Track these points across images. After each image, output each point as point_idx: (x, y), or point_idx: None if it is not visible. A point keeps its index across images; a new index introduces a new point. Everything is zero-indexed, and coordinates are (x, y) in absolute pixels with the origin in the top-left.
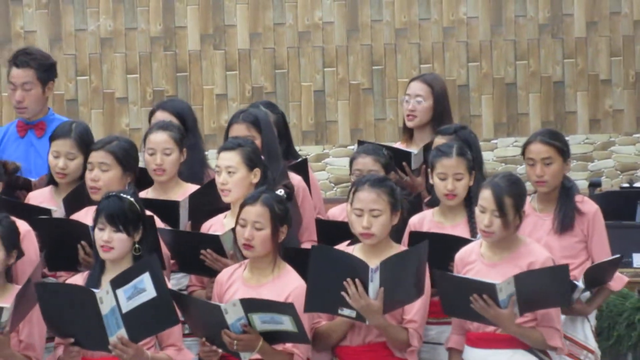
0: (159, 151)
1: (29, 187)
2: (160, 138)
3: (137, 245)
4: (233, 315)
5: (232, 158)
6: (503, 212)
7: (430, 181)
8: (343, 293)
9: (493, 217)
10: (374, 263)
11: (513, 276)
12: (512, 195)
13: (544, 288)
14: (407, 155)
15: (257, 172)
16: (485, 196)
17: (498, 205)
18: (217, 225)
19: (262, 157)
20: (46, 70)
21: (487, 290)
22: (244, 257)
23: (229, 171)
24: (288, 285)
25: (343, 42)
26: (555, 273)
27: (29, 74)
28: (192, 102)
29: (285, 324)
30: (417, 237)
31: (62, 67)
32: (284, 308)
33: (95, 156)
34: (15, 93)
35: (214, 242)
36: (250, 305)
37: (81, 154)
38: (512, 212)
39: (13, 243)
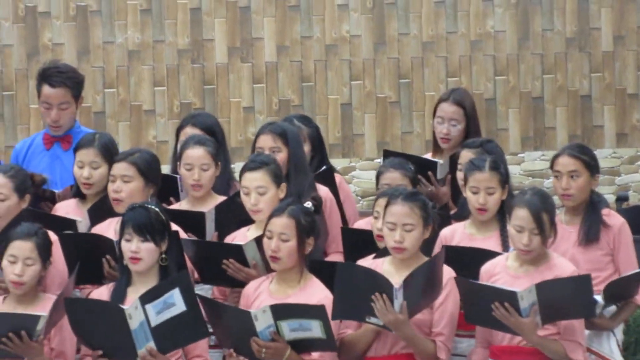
0: (197, 166)
1: (53, 199)
2: (198, 153)
3: (163, 256)
4: (262, 322)
5: (260, 178)
6: (542, 229)
7: (464, 194)
8: (372, 305)
9: (532, 235)
10: (402, 275)
11: (535, 285)
12: (547, 211)
13: (566, 298)
14: (433, 165)
15: (284, 186)
16: (522, 215)
17: (537, 224)
18: (240, 237)
19: (289, 169)
20: (79, 87)
21: (509, 298)
22: (267, 267)
23: (260, 192)
24: (314, 295)
25: (370, 55)
26: (578, 283)
27: (66, 94)
28: (219, 114)
29: (314, 330)
30: (450, 251)
31: (90, 80)
32: (314, 311)
33: (118, 168)
34: (51, 112)
35: (237, 251)
36: (280, 310)
37: (105, 163)
38: (549, 228)
39: (48, 254)
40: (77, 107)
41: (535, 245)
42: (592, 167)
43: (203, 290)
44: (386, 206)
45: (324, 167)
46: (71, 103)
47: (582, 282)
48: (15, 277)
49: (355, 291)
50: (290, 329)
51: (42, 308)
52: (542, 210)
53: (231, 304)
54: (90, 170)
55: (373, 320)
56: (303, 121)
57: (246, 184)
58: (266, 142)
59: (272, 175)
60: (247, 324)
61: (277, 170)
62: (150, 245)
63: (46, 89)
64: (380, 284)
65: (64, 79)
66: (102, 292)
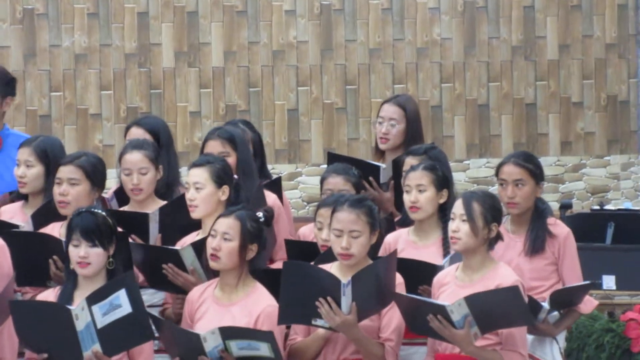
0: (135, 171)
1: None
2: (135, 158)
3: (111, 259)
4: (211, 342)
5: (200, 174)
6: (471, 217)
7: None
8: (318, 310)
9: (461, 222)
10: (347, 279)
11: (463, 297)
12: (481, 203)
13: (499, 308)
14: (375, 169)
15: (226, 189)
16: (456, 204)
17: (466, 210)
18: (189, 242)
19: (237, 174)
20: (4, 85)
21: (439, 311)
22: (208, 273)
23: (197, 187)
24: (259, 303)
25: (317, 61)
26: (506, 294)
27: None
28: (166, 119)
29: (262, 350)
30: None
31: (36, 83)
32: (263, 336)
33: (64, 171)
34: None
35: (174, 256)
36: (229, 332)
37: (40, 164)
38: (480, 219)
39: None
40: (2, 105)
41: (462, 233)
42: (537, 175)
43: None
44: (332, 212)
45: (275, 176)
46: None
47: (510, 293)
48: None
49: (301, 291)
50: (238, 348)
51: None
52: (475, 200)
53: (172, 312)
54: (24, 169)
55: (319, 322)
56: (246, 126)
57: (188, 178)
58: (215, 147)
59: (213, 174)
60: (195, 344)
61: (221, 172)
62: (98, 250)
63: None
64: (327, 281)
65: None
66: (48, 296)
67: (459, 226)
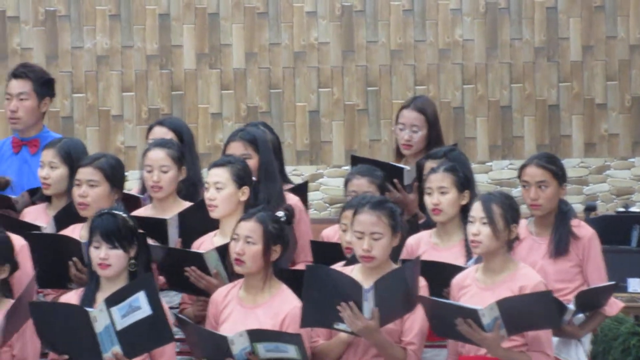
0: (156, 168)
1: (12, 205)
2: (157, 155)
3: (132, 261)
4: (239, 345)
5: (220, 174)
6: (491, 220)
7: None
8: (340, 314)
9: (481, 225)
10: (370, 284)
11: (496, 302)
12: (500, 204)
13: (529, 312)
14: (399, 171)
15: (246, 189)
16: (474, 207)
17: (486, 213)
18: (207, 243)
19: (259, 176)
20: (43, 85)
21: (471, 315)
22: (230, 277)
23: (217, 187)
24: (284, 305)
25: (338, 62)
26: (539, 299)
27: (25, 85)
28: (187, 120)
29: (290, 352)
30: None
31: (58, 85)
32: (291, 338)
33: (84, 172)
34: (11, 103)
35: (198, 259)
36: (257, 335)
37: (64, 165)
38: (501, 221)
39: (4, 257)
40: (40, 105)
41: (484, 236)
42: (560, 176)
43: (169, 296)
44: (354, 215)
45: (302, 182)
46: (31, 96)
47: (543, 298)
48: None
49: (323, 295)
50: (265, 350)
51: (3, 314)
52: (494, 202)
53: (192, 314)
54: (48, 170)
55: (341, 326)
56: (266, 128)
57: (208, 178)
58: (237, 148)
59: (234, 174)
60: (222, 346)
61: (241, 172)
62: (118, 252)
63: (10, 82)
64: (349, 286)
65: (28, 71)
66: (70, 297)
67: (479, 229)
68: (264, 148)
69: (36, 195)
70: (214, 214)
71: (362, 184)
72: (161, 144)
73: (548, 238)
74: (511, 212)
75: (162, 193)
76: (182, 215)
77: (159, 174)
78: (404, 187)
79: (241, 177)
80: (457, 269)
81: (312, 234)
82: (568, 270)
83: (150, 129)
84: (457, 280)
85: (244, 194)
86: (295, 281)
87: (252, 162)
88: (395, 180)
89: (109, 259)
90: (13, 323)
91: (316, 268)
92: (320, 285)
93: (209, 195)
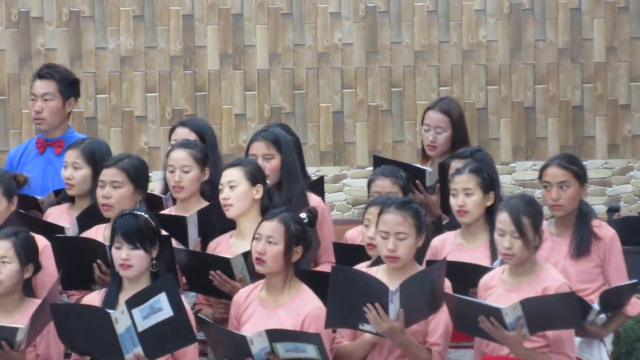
0: (178, 168)
1: (38, 206)
2: (180, 155)
3: (154, 262)
4: (258, 345)
5: (234, 173)
6: (522, 233)
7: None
8: (366, 315)
9: (513, 239)
10: (396, 284)
11: (519, 301)
12: (529, 214)
13: (552, 312)
14: (421, 173)
15: (260, 188)
16: (503, 219)
17: (517, 227)
18: (224, 244)
19: (281, 176)
20: (68, 85)
21: (494, 313)
22: (254, 276)
23: (231, 185)
24: (305, 306)
25: (362, 63)
26: (563, 299)
27: (50, 86)
28: (211, 121)
29: (309, 352)
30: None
31: (82, 85)
32: (310, 338)
33: (107, 173)
34: (35, 104)
35: (224, 264)
36: (276, 335)
37: (87, 166)
38: (531, 231)
39: (28, 257)
40: (64, 106)
41: (516, 249)
42: (581, 177)
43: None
44: (379, 215)
45: (318, 176)
46: (55, 96)
47: (567, 299)
48: None
49: (349, 296)
50: (285, 350)
51: (28, 314)
52: (523, 214)
53: (212, 315)
54: (72, 171)
55: (366, 327)
56: (285, 129)
57: (222, 179)
58: (259, 148)
59: (247, 173)
60: (242, 346)
61: (255, 171)
62: (140, 253)
63: (35, 82)
64: (375, 287)
65: (53, 72)
66: (93, 298)
67: (511, 243)
68: (287, 148)
69: (60, 196)
70: (229, 213)
71: (386, 185)
72: (184, 144)
73: (569, 238)
74: (538, 219)
75: (183, 193)
76: (201, 213)
77: (181, 174)
78: (425, 188)
79: (254, 175)
80: (483, 270)
81: (334, 235)
82: (590, 270)
83: (172, 130)
84: (484, 280)
85: (258, 192)
86: (316, 282)
87: (275, 162)
88: (417, 182)
89: (130, 260)
90: (37, 324)
91: (342, 269)
92: (346, 286)
93: (223, 194)
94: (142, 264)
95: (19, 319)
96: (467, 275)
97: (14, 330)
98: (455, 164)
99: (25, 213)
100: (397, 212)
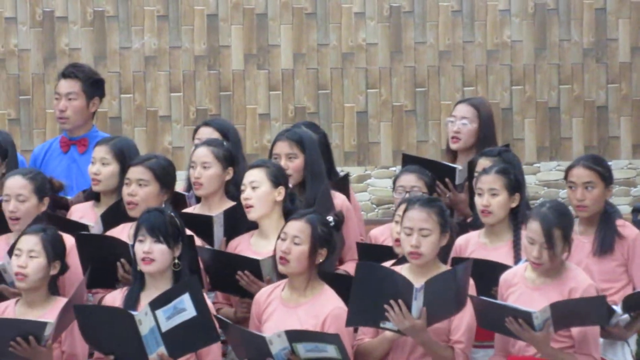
0: (199, 164)
1: (67, 206)
2: (201, 152)
3: (177, 261)
4: (278, 345)
5: (256, 174)
6: (551, 244)
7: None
8: (387, 314)
9: (542, 249)
10: (419, 283)
11: (549, 305)
12: (560, 227)
13: (580, 314)
14: (451, 171)
15: (282, 190)
16: (534, 228)
17: (547, 238)
18: (244, 244)
19: (305, 176)
20: (92, 85)
21: (523, 316)
22: (278, 275)
23: (253, 186)
24: (326, 306)
25: (386, 63)
26: (593, 302)
27: (74, 85)
28: (235, 121)
29: (330, 352)
30: (458, 262)
31: (106, 85)
32: (330, 338)
33: (134, 172)
34: (60, 103)
35: (253, 265)
36: (296, 335)
37: (115, 162)
38: (560, 243)
39: (56, 254)
40: (89, 105)
41: (545, 259)
42: (606, 178)
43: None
44: (404, 212)
45: (342, 175)
46: (80, 95)
47: (597, 302)
48: (18, 269)
49: (372, 293)
50: (305, 350)
51: (54, 311)
52: (555, 226)
53: (233, 314)
54: (99, 167)
55: (388, 325)
56: (311, 128)
57: (244, 180)
58: (283, 148)
59: (269, 174)
60: (261, 346)
61: (277, 172)
62: (162, 247)
63: (59, 82)
64: (400, 284)
65: (77, 71)
66: (115, 297)
67: (541, 253)
68: (310, 148)
69: (86, 192)
70: (250, 214)
71: (410, 179)
72: (208, 142)
73: (592, 236)
74: (569, 229)
75: (203, 190)
76: (227, 213)
77: (200, 170)
78: (455, 186)
79: (277, 177)
80: (507, 269)
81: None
82: (613, 269)
83: (196, 129)
84: (505, 277)
85: (280, 194)
86: (338, 285)
87: (298, 162)
88: (447, 180)
89: (152, 253)
90: (62, 322)
91: (368, 265)
92: (370, 283)
93: (245, 195)
94: (164, 260)
95: (43, 316)
96: (490, 274)
97: (43, 325)
98: (483, 162)
99: (52, 213)
100: (422, 208)
